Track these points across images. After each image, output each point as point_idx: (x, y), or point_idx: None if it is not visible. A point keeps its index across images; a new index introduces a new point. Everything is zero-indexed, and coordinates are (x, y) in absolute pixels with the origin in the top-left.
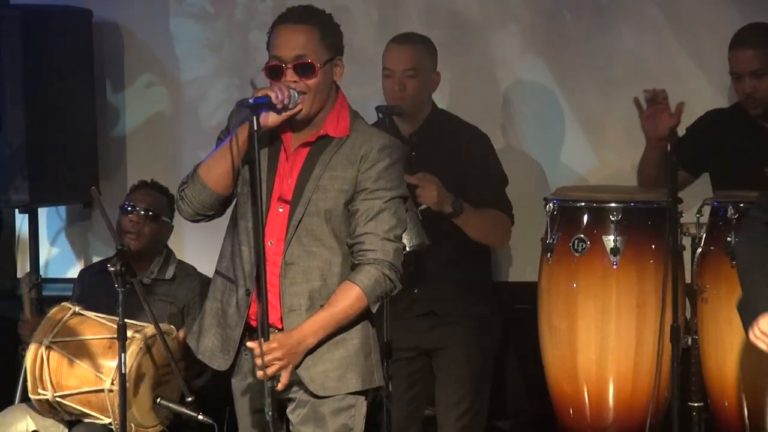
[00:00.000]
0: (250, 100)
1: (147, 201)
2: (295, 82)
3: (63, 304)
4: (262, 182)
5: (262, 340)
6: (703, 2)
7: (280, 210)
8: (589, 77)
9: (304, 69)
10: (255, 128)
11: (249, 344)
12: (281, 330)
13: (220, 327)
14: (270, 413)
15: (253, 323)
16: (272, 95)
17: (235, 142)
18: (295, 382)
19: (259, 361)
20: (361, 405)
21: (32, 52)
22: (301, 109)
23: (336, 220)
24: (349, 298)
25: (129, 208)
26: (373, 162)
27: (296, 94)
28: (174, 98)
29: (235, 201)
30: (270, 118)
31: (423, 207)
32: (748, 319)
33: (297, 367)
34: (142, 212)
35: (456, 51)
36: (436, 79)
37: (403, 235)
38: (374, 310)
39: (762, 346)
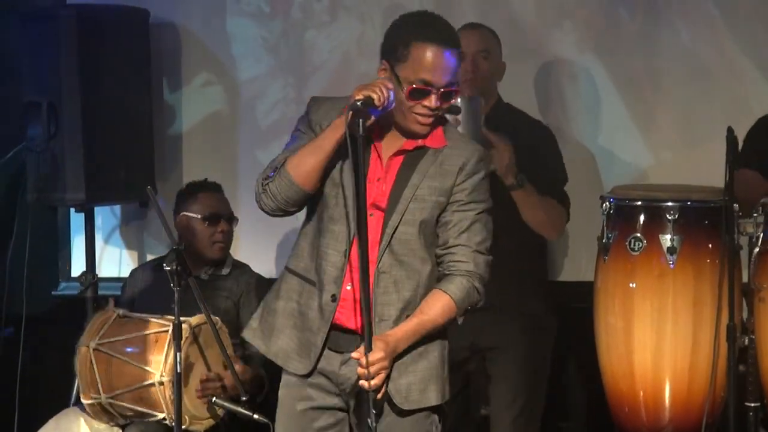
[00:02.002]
0: (358, 102)
1: (224, 206)
2: (437, 107)
3: (107, 307)
4: (347, 186)
5: (366, 350)
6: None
7: (371, 216)
8: (645, 75)
9: (450, 95)
10: (361, 132)
11: (354, 355)
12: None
13: (296, 329)
14: (374, 425)
15: (341, 325)
16: (375, 96)
17: (329, 140)
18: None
19: (362, 372)
20: (440, 422)
21: (89, 52)
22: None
23: (428, 231)
24: (440, 307)
25: (215, 218)
26: (469, 174)
27: (392, 94)
28: (230, 97)
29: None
30: (369, 121)
31: (491, 168)
32: None
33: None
34: (224, 219)
35: (511, 49)
36: (502, 68)
37: None
38: (460, 322)
39: None
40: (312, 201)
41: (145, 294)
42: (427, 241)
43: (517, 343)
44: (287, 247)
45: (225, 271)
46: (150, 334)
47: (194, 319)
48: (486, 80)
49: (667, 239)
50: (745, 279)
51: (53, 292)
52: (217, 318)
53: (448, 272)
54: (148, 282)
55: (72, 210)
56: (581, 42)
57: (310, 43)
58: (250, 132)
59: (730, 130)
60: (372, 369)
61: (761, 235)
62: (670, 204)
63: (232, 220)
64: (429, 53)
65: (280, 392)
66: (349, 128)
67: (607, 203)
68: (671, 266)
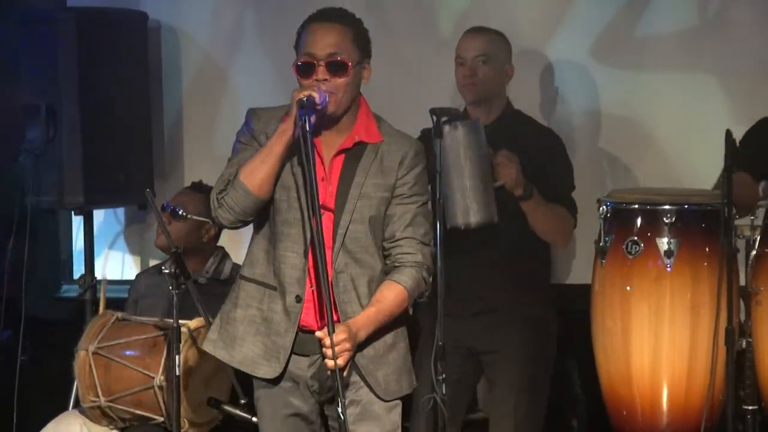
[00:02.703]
0: (304, 99)
1: (178, 200)
2: (325, 79)
3: (105, 311)
4: (300, 188)
5: (329, 331)
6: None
7: (329, 219)
8: (639, 82)
9: (336, 67)
10: (309, 129)
11: (318, 334)
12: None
13: (260, 335)
14: (342, 406)
15: (306, 326)
16: (316, 96)
17: (279, 145)
18: (358, 384)
19: (329, 352)
20: (400, 408)
21: (87, 55)
22: (331, 109)
23: (377, 227)
24: (394, 297)
25: (164, 207)
26: (409, 168)
27: (327, 96)
28: (229, 100)
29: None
30: (312, 119)
31: (499, 184)
32: None
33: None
34: (168, 210)
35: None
36: (509, 72)
37: (472, 207)
38: (410, 311)
39: None
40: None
41: (148, 297)
42: (377, 237)
43: (520, 347)
44: None
45: (224, 275)
46: (148, 337)
47: (193, 323)
48: (485, 86)
49: (664, 242)
50: (742, 282)
51: (53, 295)
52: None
53: (398, 264)
54: (150, 285)
55: (72, 213)
56: (581, 47)
57: None
58: None
59: (728, 134)
60: (337, 349)
61: (758, 238)
62: (667, 207)
63: (180, 216)
64: (307, 30)
65: (259, 402)
66: (300, 126)
67: (604, 207)
68: (668, 269)
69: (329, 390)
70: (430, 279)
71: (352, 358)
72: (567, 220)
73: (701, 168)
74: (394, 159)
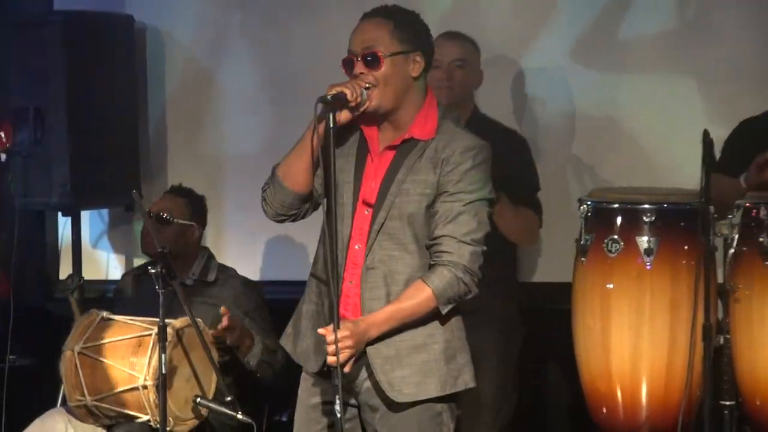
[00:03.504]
0: (328, 96)
1: (161, 206)
2: (362, 73)
3: (92, 310)
4: (347, 184)
5: (334, 328)
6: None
7: (366, 213)
8: (619, 84)
9: (371, 60)
10: (332, 125)
11: (320, 331)
12: None
13: (314, 329)
14: (339, 397)
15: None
16: (347, 91)
17: (308, 139)
18: (374, 386)
19: (331, 348)
20: (449, 412)
21: (75, 58)
22: (369, 104)
23: (418, 224)
24: (418, 296)
25: (147, 213)
26: (454, 165)
27: (365, 92)
28: (214, 102)
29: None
30: (342, 115)
31: None
32: None
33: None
34: (154, 216)
35: (486, 56)
36: (480, 77)
37: None
38: (444, 312)
39: None
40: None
41: (136, 297)
42: (419, 234)
43: (490, 348)
44: (272, 250)
45: (210, 277)
46: (134, 337)
47: (178, 322)
48: (461, 89)
49: (644, 241)
50: (720, 280)
51: (41, 295)
52: (200, 320)
53: (433, 262)
54: (137, 285)
55: (59, 214)
56: (558, 49)
57: (294, 45)
58: (233, 136)
59: (706, 133)
60: (339, 345)
61: (736, 236)
62: (646, 206)
63: (166, 221)
64: (354, 30)
65: (299, 391)
66: (317, 122)
67: (585, 206)
68: (648, 267)
69: (348, 384)
70: (473, 278)
71: (354, 356)
72: (533, 222)
73: (680, 167)
74: (440, 156)
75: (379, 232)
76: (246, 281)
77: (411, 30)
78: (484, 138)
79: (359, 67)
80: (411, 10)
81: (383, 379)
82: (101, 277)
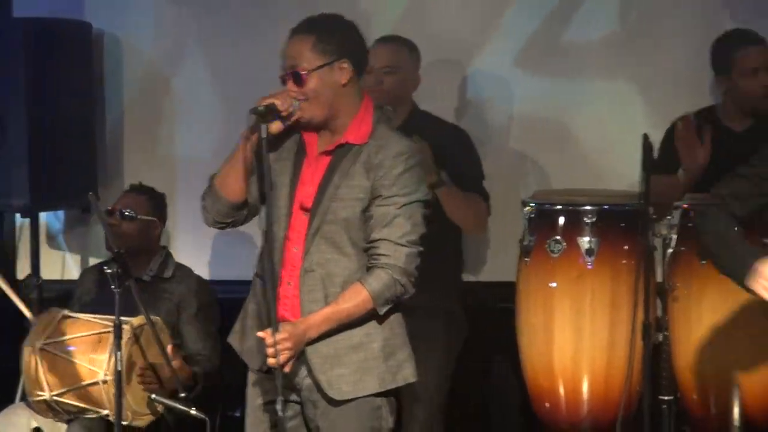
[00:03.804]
0: (260, 108)
1: (126, 202)
2: (294, 91)
3: (51, 308)
4: (284, 187)
5: (273, 330)
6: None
7: (303, 217)
8: (563, 89)
9: (296, 78)
10: (264, 135)
11: (259, 334)
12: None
13: (258, 328)
14: (281, 398)
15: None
16: (278, 102)
17: (243, 149)
18: (314, 385)
19: (270, 350)
20: (388, 406)
21: (34, 64)
22: (300, 116)
23: (354, 228)
24: (355, 298)
25: (112, 210)
26: (387, 169)
27: (297, 103)
28: (169, 107)
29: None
30: (274, 126)
31: None
32: (742, 274)
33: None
34: (120, 213)
35: (432, 59)
36: (416, 80)
37: None
38: (381, 313)
39: None
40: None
41: (93, 295)
42: (354, 238)
43: (439, 337)
44: (223, 250)
45: (167, 273)
46: (93, 334)
47: (136, 320)
48: (393, 94)
49: (585, 241)
50: (659, 279)
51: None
52: (157, 318)
53: (370, 265)
54: (95, 284)
55: (18, 215)
56: (504, 54)
57: (245, 54)
58: (188, 140)
59: (645, 137)
60: (278, 347)
61: (674, 237)
62: (588, 208)
63: (131, 218)
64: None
65: (247, 391)
66: (250, 132)
67: (528, 207)
68: (589, 267)
69: (290, 382)
70: (409, 279)
71: (294, 356)
72: (481, 207)
73: (621, 170)
74: (373, 161)
75: (315, 235)
76: (200, 280)
77: (335, 39)
78: (426, 132)
79: (289, 84)
80: (336, 16)
81: (322, 378)
82: (58, 276)
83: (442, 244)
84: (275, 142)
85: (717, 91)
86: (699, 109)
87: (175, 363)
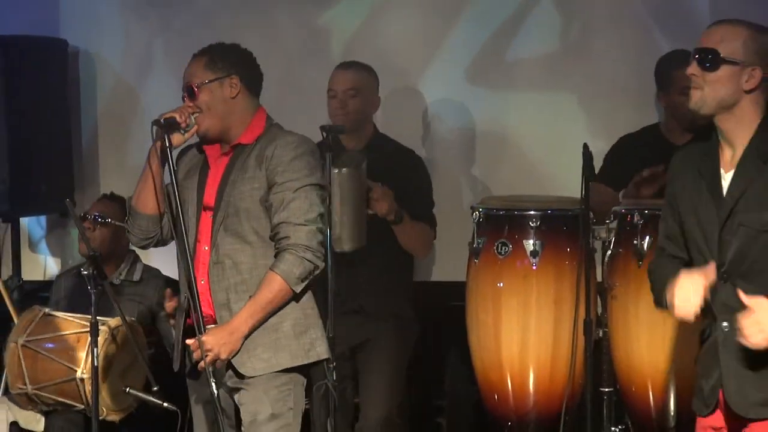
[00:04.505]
0: (162, 120)
1: (98, 209)
2: (189, 106)
3: (33, 306)
4: (192, 200)
5: (200, 336)
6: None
7: (209, 217)
8: (508, 102)
9: (189, 92)
10: (168, 144)
11: (188, 341)
12: (216, 323)
13: (176, 331)
14: (215, 393)
15: (190, 322)
16: (177, 116)
17: (150, 165)
18: (232, 371)
19: (196, 355)
20: (298, 381)
21: (12, 78)
22: (197, 129)
23: (254, 217)
24: (269, 285)
25: (86, 215)
26: (278, 158)
27: (193, 117)
28: (140, 118)
29: None
30: (176, 138)
31: (371, 212)
32: (665, 307)
33: (236, 353)
34: (93, 218)
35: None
36: (377, 102)
37: (344, 237)
38: (298, 291)
39: (689, 311)
40: None
41: (69, 296)
42: (256, 226)
43: (388, 341)
44: None
45: (136, 276)
46: (73, 333)
47: (113, 321)
48: (356, 116)
49: (530, 244)
50: (599, 279)
51: None
52: (133, 318)
53: (276, 249)
54: (70, 286)
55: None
56: (453, 70)
57: None
58: None
59: (585, 147)
60: (200, 353)
61: (613, 239)
62: (532, 212)
63: (104, 223)
64: None
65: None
66: (154, 142)
67: (477, 212)
68: (534, 268)
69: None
70: (314, 254)
71: (221, 357)
72: (428, 235)
73: (563, 177)
74: (263, 154)
75: (219, 230)
76: (169, 280)
77: (225, 59)
78: (384, 158)
79: (186, 99)
80: (232, 44)
81: (236, 360)
82: (39, 277)
83: (391, 253)
84: (182, 162)
85: (660, 107)
86: (644, 127)
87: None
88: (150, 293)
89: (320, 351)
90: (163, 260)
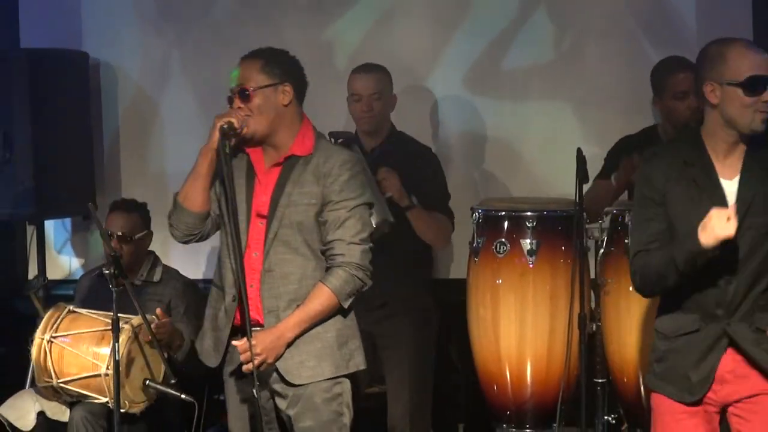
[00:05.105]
0: (225, 126)
1: (119, 225)
2: (239, 107)
3: (59, 304)
4: (240, 203)
5: (247, 339)
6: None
7: (260, 224)
8: (506, 109)
9: (242, 94)
10: (227, 150)
11: (234, 343)
12: (263, 327)
13: (213, 330)
14: (258, 394)
15: (238, 323)
16: (234, 120)
17: (201, 165)
18: (277, 376)
19: (244, 357)
20: (347, 389)
21: (38, 88)
22: (247, 131)
23: (307, 231)
24: (319, 297)
25: (109, 234)
26: (335, 177)
27: (244, 120)
28: (158, 126)
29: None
30: (232, 141)
31: (387, 195)
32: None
33: (279, 358)
34: (118, 236)
35: (404, 84)
36: (394, 101)
37: (375, 211)
38: (346, 306)
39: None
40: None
41: (92, 295)
42: (308, 239)
43: (409, 334)
44: (212, 253)
45: (156, 277)
46: (98, 331)
47: (135, 320)
48: (380, 116)
49: (527, 243)
50: (592, 275)
51: (11, 292)
52: (153, 317)
53: (328, 265)
54: (93, 285)
55: (27, 222)
56: (453, 78)
57: (223, 76)
58: (175, 153)
59: (579, 151)
60: (248, 355)
61: (605, 238)
62: (529, 213)
63: (129, 239)
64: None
65: (225, 387)
66: (218, 147)
67: (477, 213)
68: (531, 266)
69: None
70: (365, 273)
71: (268, 360)
72: (445, 225)
73: (558, 179)
74: (320, 170)
75: (273, 239)
76: (186, 281)
77: (280, 65)
78: (401, 154)
79: (237, 102)
80: (282, 49)
81: (282, 366)
82: (63, 277)
83: (412, 250)
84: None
85: (656, 111)
86: (642, 129)
87: (165, 320)
88: (168, 293)
89: (358, 361)
90: (183, 261)
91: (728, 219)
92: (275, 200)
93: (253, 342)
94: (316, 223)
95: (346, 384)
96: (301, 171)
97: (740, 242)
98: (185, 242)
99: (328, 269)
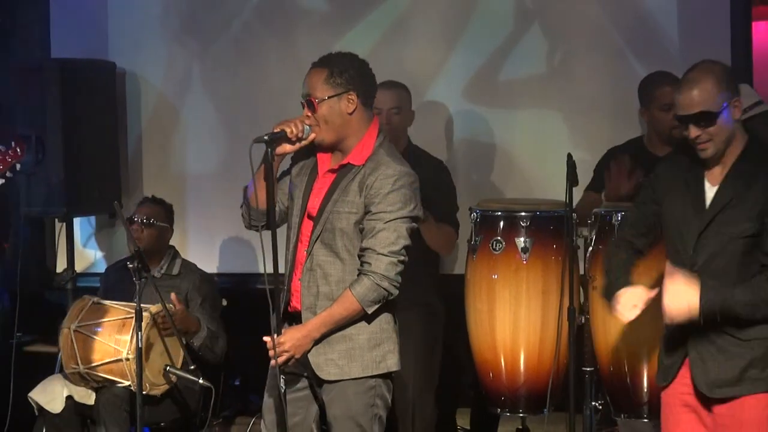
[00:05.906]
0: (265, 136)
1: (144, 212)
2: (307, 116)
3: (84, 296)
4: (298, 199)
5: (276, 335)
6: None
7: (310, 224)
8: (501, 117)
9: (309, 105)
10: (271, 159)
11: (264, 338)
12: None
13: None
14: (283, 388)
15: (289, 311)
16: (288, 130)
17: (260, 167)
18: (310, 367)
19: (272, 352)
20: (384, 386)
21: (68, 96)
22: (314, 138)
23: (347, 237)
24: (344, 302)
25: (134, 218)
26: (377, 189)
27: (308, 128)
28: (180, 132)
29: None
30: (286, 148)
31: None
32: (610, 300)
33: (307, 353)
34: (141, 221)
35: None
36: (412, 116)
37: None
38: (370, 312)
39: (626, 315)
40: None
41: (116, 287)
42: (348, 245)
43: (419, 327)
44: (227, 248)
45: (175, 271)
46: (119, 319)
47: (154, 308)
48: (398, 130)
49: (521, 241)
50: (582, 271)
51: (42, 284)
52: (171, 305)
53: (359, 271)
54: (117, 278)
55: (56, 220)
56: (458, 87)
57: (240, 86)
58: (195, 157)
59: (569, 156)
60: (278, 350)
61: (594, 237)
62: (523, 214)
63: (151, 225)
64: None
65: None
66: (263, 157)
67: (475, 213)
68: (524, 262)
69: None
70: (391, 283)
71: (295, 356)
72: (452, 236)
73: (550, 182)
74: (365, 181)
75: (317, 240)
76: (204, 275)
77: (345, 74)
78: (416, 166)
79: (305, 110)
80: (350, 54)
81: (314, 360)
82: (90, 270)
83: (420, 250)
84: (298, 160)
85: (643, 122)
86: (629, 140)
87: (180, 307)
88: (185, 286)
89: (390, 363)
90: (200, 255)
91: (634, 306)
92: (323, 205)
93: (283, 339)
94: (356, 230)
95: (379, 381)
96: (349, 180)
97: (705, 245)
98: (252, 229)
99: (357, 275)
